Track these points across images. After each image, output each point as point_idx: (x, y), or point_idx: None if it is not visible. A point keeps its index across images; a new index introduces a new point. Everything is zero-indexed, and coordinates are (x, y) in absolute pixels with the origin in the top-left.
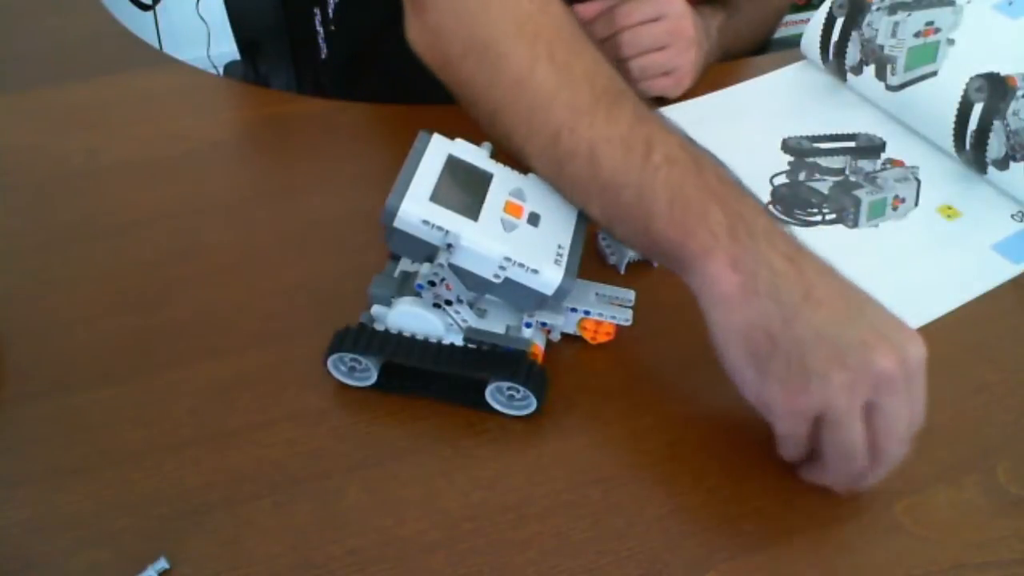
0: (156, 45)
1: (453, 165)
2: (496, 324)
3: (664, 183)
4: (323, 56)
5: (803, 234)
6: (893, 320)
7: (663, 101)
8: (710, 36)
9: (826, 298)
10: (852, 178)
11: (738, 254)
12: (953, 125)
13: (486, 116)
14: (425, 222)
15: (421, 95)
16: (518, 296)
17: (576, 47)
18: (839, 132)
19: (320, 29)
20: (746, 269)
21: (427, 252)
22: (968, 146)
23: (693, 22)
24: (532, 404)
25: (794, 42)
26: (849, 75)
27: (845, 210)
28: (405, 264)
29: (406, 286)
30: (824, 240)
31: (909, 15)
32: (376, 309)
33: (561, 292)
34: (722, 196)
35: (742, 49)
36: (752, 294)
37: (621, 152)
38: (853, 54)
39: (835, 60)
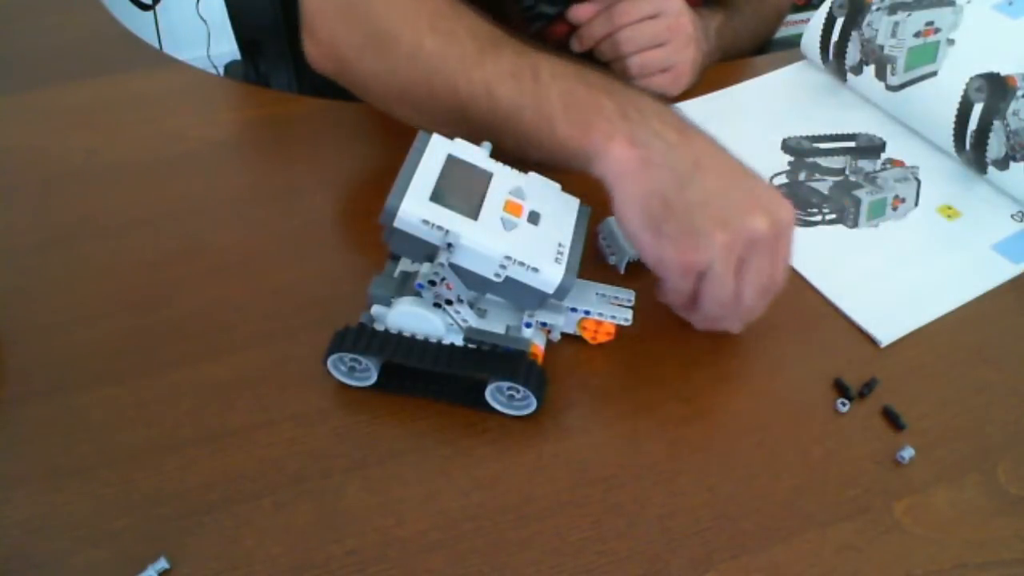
0: (156, 45)
1: (453, 165)
2: (496, 324)
3: (557, 94)
4: None
5: (803, 234)
6: (769, 190)
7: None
8: (708, 37)
9: (713, 167)
10: (852, 178)
11: (633, 131)
12: (953, 125)
13: (395, 100)
14: (425, 222)
15: None
16: (519, 295)
17: (455, 14)
18: (839, 132)
19: None
20: (642, 143)
21: (427, 252)
22: (968, 146)
23: (691, 18)
24: (532, 404)
25: (794, 42)
26: (849, 75)
27: (845, 210)
28: (405, 264)
29: (406, 286)
30: (824, 240)
31: (909, 15)
32: (376, 309)
33: (562, 290)
34: (609, 89)
35: (742, 50)
36: (649, 165)
37: (513, 82)
38: (853, 54)
39: (835, 60)
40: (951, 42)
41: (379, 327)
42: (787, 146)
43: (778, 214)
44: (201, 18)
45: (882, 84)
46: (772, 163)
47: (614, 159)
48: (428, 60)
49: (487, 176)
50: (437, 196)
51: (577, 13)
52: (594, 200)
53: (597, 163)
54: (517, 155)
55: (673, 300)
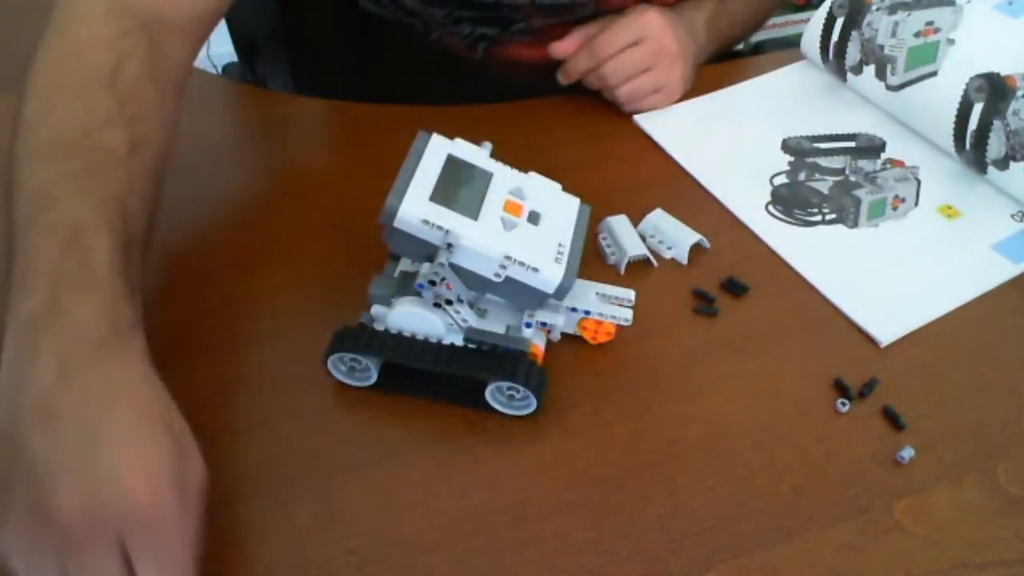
0: None
1: (453, 164)
2: (496, 324)
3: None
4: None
5: (803, 234)
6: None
7: None
8: (696, 34)
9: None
10: (852, 178)
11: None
12: (953, 125)
13: None
14: (425, 222)
15: (421, 95)
16: (519, 295)
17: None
18: (839, 132)
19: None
20: None
21: (427, 252)
22: (968, 146)
23: (675, 35)
24: (532, 404)
25: (794, 42)
26: (849, 75)
27: (845, 210)
28: (405, 264)
29: (406, 286)
30: (824, 240)
31: (909, 15)
32: (376, 309)
33: (562, 290)
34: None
35: (741, 33)
36: None
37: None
38: (853, 54)
39: (835, 60)
40: (951, 42)
41: (379, 327)
42: (787, 146)
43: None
44: None
45: (882, 84)
46: (772, 163)
47: None
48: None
49: (487, 176)
50: (437, 196)
51: (558, 48)
52: (594, 200)
53: None
54: None
55: None
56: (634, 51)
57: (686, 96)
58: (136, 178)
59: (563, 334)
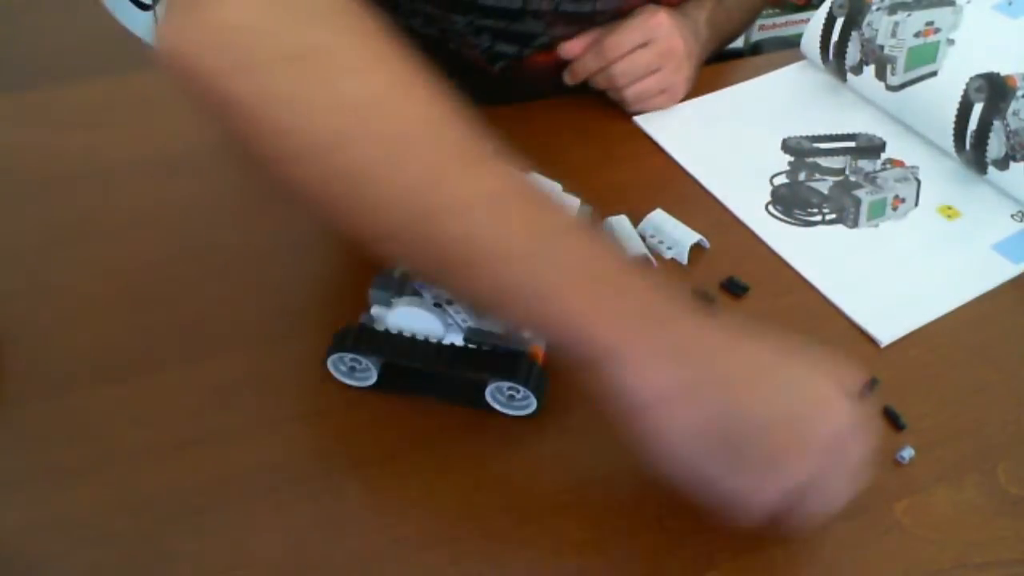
0: None
1: None
2: (496, 324)
3: (576, 256)
4: None
5: (803, 234)
6: (815, 378)
7: None
8: (699, 34)
9: (756, 371)
10: (852, 178)
11: (659, 343)
12: (953, 125)
13: (312, 158)
14: None
15: None
16: None
17: (425, 78)
18: (839, 132)
19: None
20: (679, 359)
21: None
22: (968, 146)
23: (682, 36)
24: (532, 404)
25: (794, 42)
26: (849, 75)
27: (845, 210)
28: None
29: (406, 286)
30: (824, 240)
31: (909, 15)
32: (376, 309)
33: None
34: (628, 271)
35: (736, 30)
36: (695, 387)
37: (520, 210)
38: (853, 54)
39: (835, 60)
40: (951, 42)
41: (379, 327)
42: (787, 146)
43: (842, 404)
44: None
45: (882, 84)
46: (772, 163)
47: (648, 382)
48: (405, 118)
49: None
50: None
51: (566, 49)
52: (595, 200)
53: (614, 371)
54: (484, 308)
55: (747, 521)
56: (643, 52)
57: (686, 96)
58: None
59: None
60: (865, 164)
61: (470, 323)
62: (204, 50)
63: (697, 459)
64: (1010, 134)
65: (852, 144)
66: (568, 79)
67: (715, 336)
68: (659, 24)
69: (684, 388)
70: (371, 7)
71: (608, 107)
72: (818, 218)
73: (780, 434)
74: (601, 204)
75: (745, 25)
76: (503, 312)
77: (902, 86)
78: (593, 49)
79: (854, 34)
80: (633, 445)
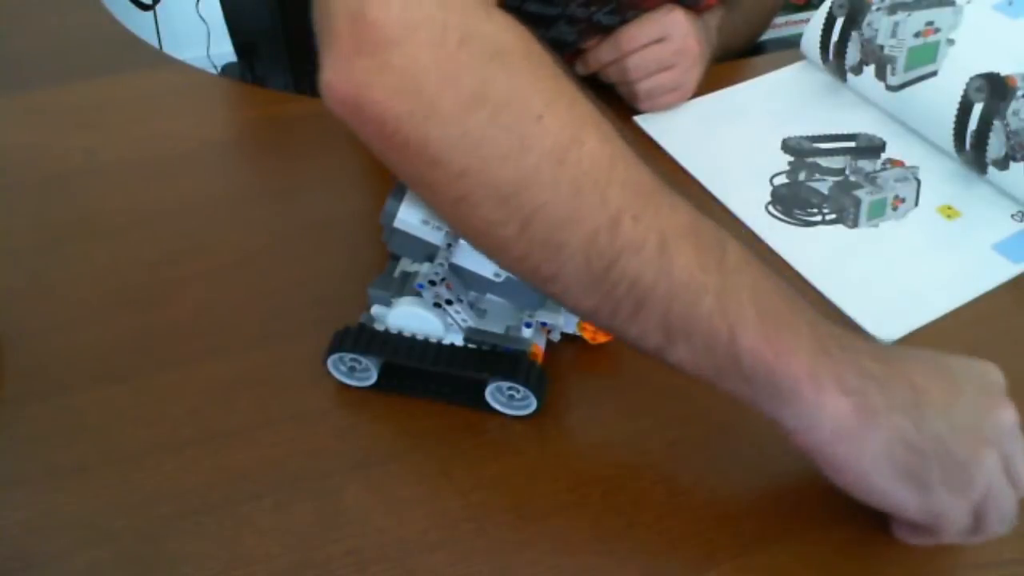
0: (156, 45)
1: None
2: (496, 324)
3: (748, 288)
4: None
5: (803, 234)
6: (975, 367)
7: None
8: (711, 38)
9: (926, 383)
10: (852, 178)
11: (840, 373)
12: (953, 125)
13: (493, 200)
14: (425, 222)
15: None
16: (519, 295)
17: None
18: (839, 132)
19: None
20: (852, 388)
21: (427, 251)
22: (968, 146)
23: (696, 37)
24: (532, 404)
25: (794, 42)
26: (849, 75)
27: (845, 210)
28: (405, 264)
29: (406, 286)
30: (824, 240)
31: (909, 15)
32: (376, 309)
33: None
34: (796, 301)
35: (739, 45)
36: (872, 413)
37: (694, 247)
38: (853, 54)
39: (835, 60)
40: (951, 42)
41: (379, 327)
42: (787, 146)
43: (1003, 393)
44: (201, 18)
45: (882, 84)
46: (772, 163)
47: (829, 415)
48: (584, 167)
49: None
50: None
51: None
52: None
53: (793, 409)
54: (653, 348)
55: (957, 537)
56: (658, 48)
57: None
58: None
59: (563, 334)
60: (865, 164)
61: (470, 323)
62: (390, 96)
63: (890, 483)
64: (1010, 134)
65: (852, 144)
66: (580, 69)
67: (880, 359)
68: (676, 22)
69: (866, 416)
70: (545, 45)
71: (608, 107)
72: (818, 218)
73: (970, 436)
74: None
75: (745, 43)
76: (672, 345)
77: (902, 86)
78: (608, 41)
79: (854, 34)
80: (825, 477)
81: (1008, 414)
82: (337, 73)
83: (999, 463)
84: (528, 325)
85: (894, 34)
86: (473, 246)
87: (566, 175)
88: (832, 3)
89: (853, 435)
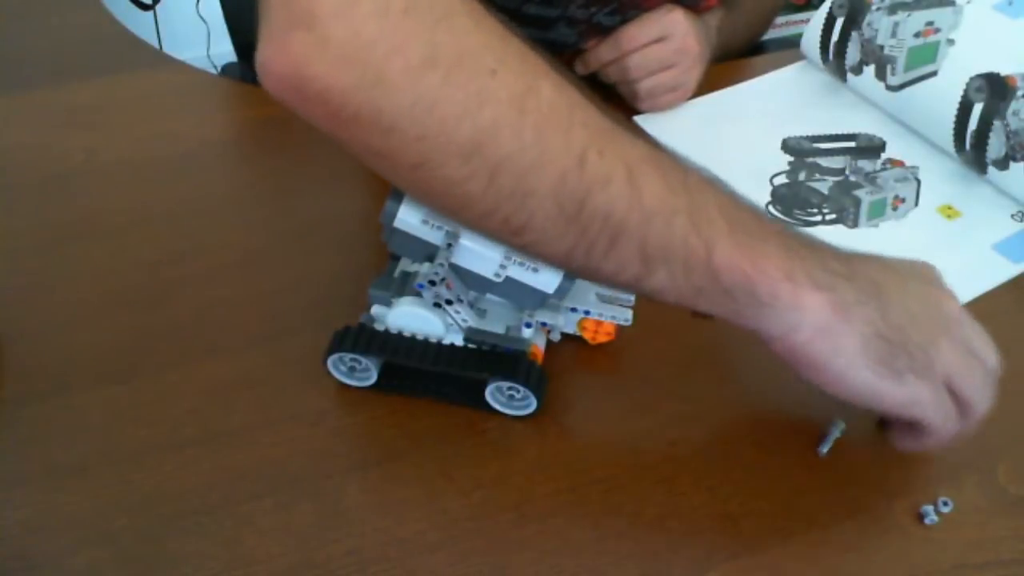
0: (156, 45)
1: None
2: (496, 324)
3: (715, 205)
4: None
5: None
6: (916, 264)
7: None
8: (711, 38)
9: (882, 278)
10: (852, 178)
11: (809, 270)
12: (953, 125)
13: (456, 159)
14: (425, 221)
15: None
16: (519, 295)
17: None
18: (839, 132)
19: None
20: (824, 284)
21: (427, 251)
22: (968, 146)
23: (696, 37)
24: (532, 404)
25: (794, 42)
26: (849, 75)
27: (845, 210)
28: (405, 264)
29: (406, 286)
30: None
31: (909, 15)
32: (376, 309)
33: (562, 290)
34: (757, 210)
35: (738, 47)
36: (844, 307)
37: (659, 173)
38: (853, 54)
39: (835, 60)
40: (951, 42)
41: (379, 327)
42: (787, 146)
43: (944, 285)
44: (201, 18)
45: (882, 84)
46: (772, 163)
47: (808, 313)
48: (540, 105)
49: None
50: None
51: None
52: None
53: (773, 313)
54: (633, 276)
55: (947, 433)
56: (659, 47)
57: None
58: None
59: (563, 334)
60: (865, 164)
61: (470, 323)
62: (333, 69)
63: (867, 375)
64: (1010, 134)
65: (852, 144)
66: (580, 68)
67: (840, 259)
68: (676, 21)
69: (840, 310)
70: (485, 5)
71: (608, 107)
72: (818, 218)
73: (925, 322)
74: None
75: (746, 43)
76: (652, 272)
77: (902, 86)
78: (609, 40)
79: (854, 34)
80: (804, 381)
81: (953, 303)
82: (273, 50)
83: (956, 346)
84: (528, 325)
85: (894, 34)
86: (435, 209)
87: (528, 122)
88: (832, 3)
89: (831, 330)
